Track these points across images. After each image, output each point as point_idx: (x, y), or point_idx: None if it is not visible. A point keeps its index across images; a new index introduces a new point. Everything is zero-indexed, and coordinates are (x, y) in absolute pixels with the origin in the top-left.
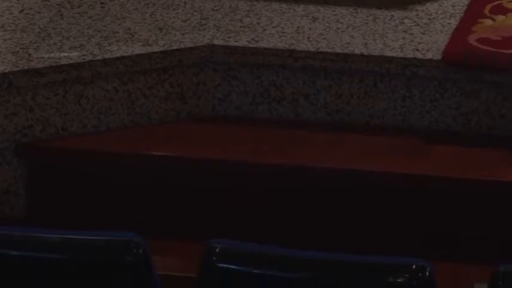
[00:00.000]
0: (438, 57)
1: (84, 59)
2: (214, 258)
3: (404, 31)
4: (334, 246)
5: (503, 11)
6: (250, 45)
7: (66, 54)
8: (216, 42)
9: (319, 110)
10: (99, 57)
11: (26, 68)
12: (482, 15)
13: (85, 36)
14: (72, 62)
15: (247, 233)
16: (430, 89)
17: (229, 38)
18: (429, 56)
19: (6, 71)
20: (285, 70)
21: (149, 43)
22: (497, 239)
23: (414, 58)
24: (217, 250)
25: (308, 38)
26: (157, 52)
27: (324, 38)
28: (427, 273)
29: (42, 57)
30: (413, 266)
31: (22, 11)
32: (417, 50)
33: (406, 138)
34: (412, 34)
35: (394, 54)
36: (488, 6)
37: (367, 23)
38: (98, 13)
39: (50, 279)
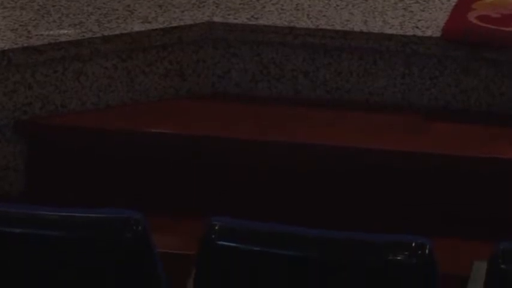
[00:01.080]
0: (438, 34)
1: (83, 36)
2: (213, 236)
3: (403, 8)
4: (333, 224)
5: None
6: (250, 23)
7: (65, 32)
8: (215, 19)
9: (319, 87)
10: (98, 35)
11: (25, 45)
12: None
13: (84, 13)
14: (71, 39)
15: (247, 210)
16: (430, 67)
17: (228, 15)
18: (429, 33)
19: (6, 48)
20: (285, 47)
21: (148, 20)
22: (497, 217)
23: (414, 35)
24: (216, 228)
25: (308, 15)
26: (156, 29)
27: (324, 15)
28: (427, 251)
29: (41, 35)
30: (413, 244)
31: None
32: (417, 27)
33: (405, 115)
34: (411, 11)
35: (394, 32)
36: None
37: (366, 0)
38: None
39: (49, 256)
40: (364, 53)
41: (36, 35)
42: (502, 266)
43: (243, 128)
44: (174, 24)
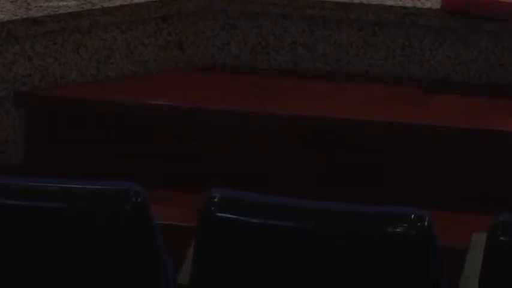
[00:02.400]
0: (437, 6)
1: (82, 8)
2: (213, 208)
3: None
4: (332, 196)
5: None
6: None
7: (64, 3)
8: None
9: (318, 59)
10: (97, 6)
11: (24, 17)
12: None
13: None
14: (70, 10)
15: (247, 182)
16: (429, 38)
17: None
18: (428, 5)
19: (5, 20)
20: (284, 19)
21: None
22: (496, 189)
23: (413, 7)
24: (216, 200)
25: None
26: (156, 1)
27: None
28: (426, 223)
29: (40, 6)
30: (412, 216)
31: None
32: None
33: (405, 87)
34: None
35: (393, 3)
36: None
37: None
38: None
39: (48, 228)
40: (364, 25)
41: (36, 6)
42: (501, 237)
43: (242, 99)
44: None
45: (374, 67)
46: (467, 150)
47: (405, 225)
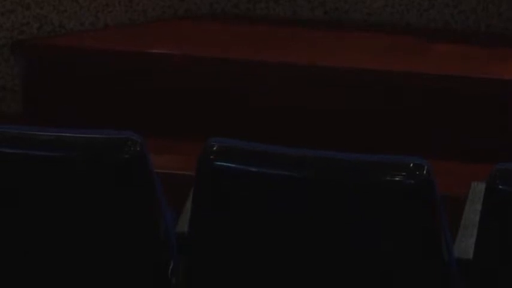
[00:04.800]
0: None
1: None
2: (211, 157)
3: None
4: (331, 145)
5: None
6: None
7: None
8: None
9: (317, 8)
10: None
11: None
12: None
13: None
14: None
15: (247, 131)
16: None
17: None
18: None
19: None
20: None
21: None
22: (496, 138)
23: None
24: (214, 148)
25: None
26: None
27: None
28: (425, 172)
29: None
30: (411, 164)
31: None
32: None
33: (404, 36)
34: None
35: None
36: None
37: None
38: None
39: (46, 177)
40: None
41: None
42: (500, 186)
43: (241, 48)
44: None
45: (373, 16)
46: (466, 99)
47: (404, 174)
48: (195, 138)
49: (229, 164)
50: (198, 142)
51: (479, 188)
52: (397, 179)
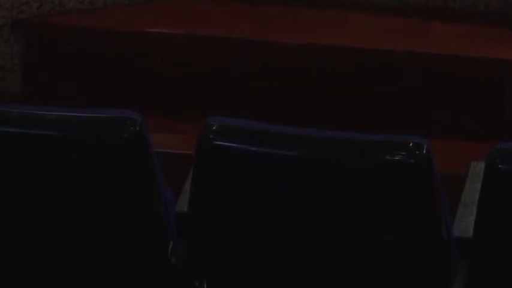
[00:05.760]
0: None
1: None
2: (211, 136)
3: None
4: (331, 125)
5: None
6: None
7: None
8: None
9: None
10: None
11: None
12: None
13: None
14: None
15: (247, 111)
16: None
17: None
18: None
19: None
20: None
21: None
22: (495, 118)
23: None
24: (214, 128)
25: None
26: None
27: None
28: (424, 151)
29: None
30: (411, 144)
31: None
32: None
33: (403, 15)
34: None
35: None
36: None
37: None
38: None
39: (46, 156)
40: None
41: None
42: (500, 166)
43: (241, 28)
44: None
45: None
46: (466, 79)
47: (403, 153)
48: (194, 117)
49: (229, 143)
50: (197, 121)
51: (478, 167)
52: (396, 158)
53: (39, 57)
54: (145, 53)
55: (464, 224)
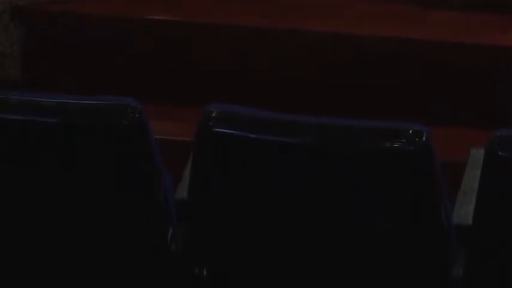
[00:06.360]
0: None
1: None
2: (210, 123)
3: None
4: (331, 112)
5: None
6: None
7: None
8: None
9: None
10: None
11: None
12: None
13: None
14: None
15: (246, 98)
16: None
17: None
18: None
19: None
20: None
21: None
22: (494, 105)
23: None
24: (213, 115)
25: None
26: None
27: None
28: (424, 138)
29: None
30: (410, 131)
31: None
32: None
33: (402, 3)
34: None
35: None
36: None
37: None
38: None
39: (46, 143)
40: None
41: None
42: (499, 152)
43: (243, 14)
44: None
45: None
46: (465, 67)
47: (403, 140)
48: (194, 105)
49: (228, 130)
50: (197, 108)
51: (478, 154)
52: (396, 145)
53: (38, 43)
54: (145, 39)
55: (464, 210)
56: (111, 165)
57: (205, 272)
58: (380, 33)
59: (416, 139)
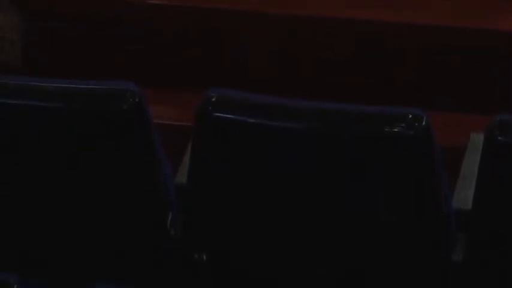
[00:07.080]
0: None
1: None
2: (210, 108)
3: None
4: (329, 97)
5: None
6: None
7: None
8: None
9: None
10: None
11: None
12: None
13: None
14: None
15: (246, 83)
16: None
17: None
18: None
19: None
20: None
21: None
22: (494, 90)
23: None
24: (213, 99)
25: None
26: None
27: None
28: (424, 123)
29: None
30: (410, 116)
31: None
32: None
33: None
34: None
35: None
36: None
37: None
38: None
39: (46, 127)
40: None
41: None
42: (499, 137)
43: (240, 0)
44: None
45: None
46: (463, 51)
47: (402, 125)
48: (194, 90)
49: (228, 115)
50: (197, 93)
51: (478, 139)
52: (396, 130)
53: (38, 28)
54: (145, 24)
55: (464, 195)
56: (110, 150)
57: (204, 257)
58: (378, 18)
59: (416, 124)
